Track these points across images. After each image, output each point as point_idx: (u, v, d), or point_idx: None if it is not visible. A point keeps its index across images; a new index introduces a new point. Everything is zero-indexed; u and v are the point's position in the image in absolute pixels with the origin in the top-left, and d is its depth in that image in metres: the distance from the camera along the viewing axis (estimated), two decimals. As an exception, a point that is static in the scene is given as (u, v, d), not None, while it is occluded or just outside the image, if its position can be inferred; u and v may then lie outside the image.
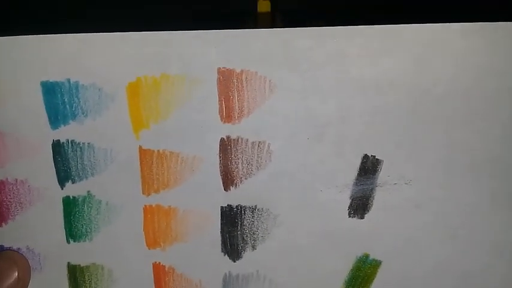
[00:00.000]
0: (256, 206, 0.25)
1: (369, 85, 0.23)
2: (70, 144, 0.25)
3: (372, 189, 0.25)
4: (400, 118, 0.24)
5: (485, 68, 0.23)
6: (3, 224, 0.26)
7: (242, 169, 0.25)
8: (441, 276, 0.26)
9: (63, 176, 0.26)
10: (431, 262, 0.25)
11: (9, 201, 0.26)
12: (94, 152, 0.25)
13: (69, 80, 0.24)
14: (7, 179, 0.25)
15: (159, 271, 0.26)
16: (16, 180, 0.25)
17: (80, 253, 0.26)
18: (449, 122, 0.24)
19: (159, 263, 0.26)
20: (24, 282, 0.25)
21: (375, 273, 0.26)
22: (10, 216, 0.26)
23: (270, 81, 0.24)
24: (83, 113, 0.25)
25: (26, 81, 0.24)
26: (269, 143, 0.25)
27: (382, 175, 0.25)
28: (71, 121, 0.25)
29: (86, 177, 0.25)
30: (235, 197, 0.25)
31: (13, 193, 0.26)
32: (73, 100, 0.25)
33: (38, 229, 0.26)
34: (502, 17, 0.22)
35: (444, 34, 0.23)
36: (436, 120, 0.24)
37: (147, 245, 0.26)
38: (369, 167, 0.25)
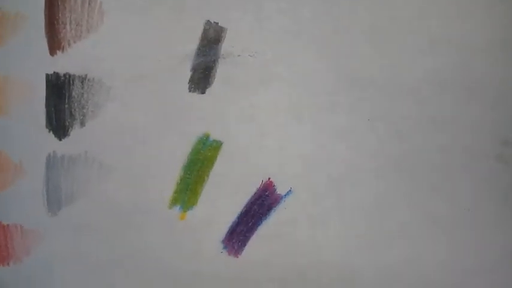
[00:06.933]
0: (86, 75, 0.23)
1: None
2: None
3: (215, 61, 0.23)
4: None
5: None
6: None
7: (70, 30, 0.22)
8: (284, 157, 0.23)
9: None
10: (276, 140, 0.23)
11: None
12: None
13: None
14: None
15: (-28, 150, 0.23)
16: None
17: None
18: None
19: (-27, 139, 0.23)
20: None
21: (216, 156, 0.23)
22: None
23: None
24: None
25: None
26: (101, 1, 0.22)
27: (226, 45, 0.23)
28: None
29: None
30: (62, 63, 0.23)
31: None
32: None
33: None
34: None
35: None
36: None
37: (-41, 119, 0.23)
38: (211, 36, 0.22)
